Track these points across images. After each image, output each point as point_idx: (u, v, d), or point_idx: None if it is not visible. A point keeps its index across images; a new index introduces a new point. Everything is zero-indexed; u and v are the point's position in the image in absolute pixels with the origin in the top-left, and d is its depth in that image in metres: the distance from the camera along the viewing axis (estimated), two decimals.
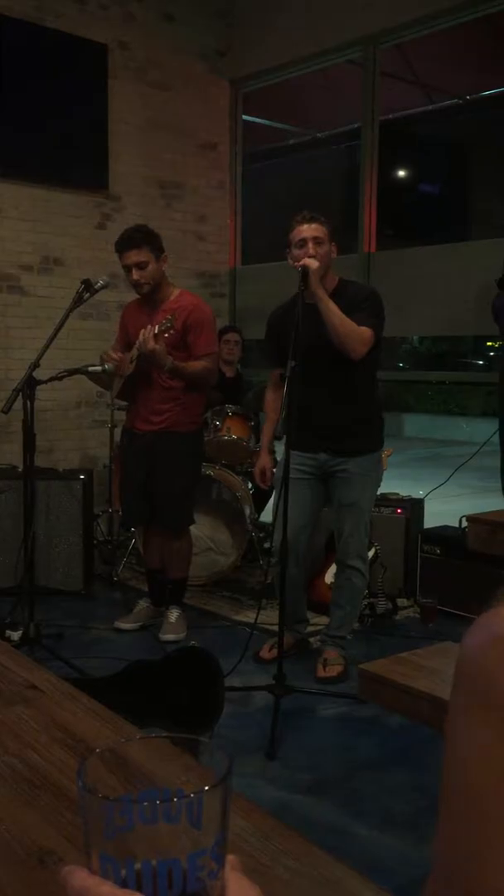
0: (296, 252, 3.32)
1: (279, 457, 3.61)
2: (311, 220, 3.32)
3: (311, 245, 3.28)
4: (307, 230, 3.30)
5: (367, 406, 3.53)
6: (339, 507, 3.51)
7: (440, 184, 15.28)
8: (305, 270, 3.19)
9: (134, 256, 3.72)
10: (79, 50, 5.34)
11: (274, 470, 3.70)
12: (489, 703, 0.49)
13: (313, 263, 3.20)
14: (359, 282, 3.44)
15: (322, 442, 3.41)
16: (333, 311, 3.23)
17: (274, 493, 3.70)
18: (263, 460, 3.75)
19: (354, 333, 3.26)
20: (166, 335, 3.55)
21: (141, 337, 3.57)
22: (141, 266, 3.72)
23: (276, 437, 3.38)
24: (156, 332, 3.53)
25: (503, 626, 0.50)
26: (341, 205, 6.95)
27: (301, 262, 3.21)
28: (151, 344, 3.53)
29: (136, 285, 3.79)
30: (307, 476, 3.44)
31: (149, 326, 3.58)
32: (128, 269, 3.75)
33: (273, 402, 3.70)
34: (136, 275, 3.74)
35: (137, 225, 3.92)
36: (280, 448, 3.80)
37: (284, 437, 3.15)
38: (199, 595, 4.55)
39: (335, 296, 3.31)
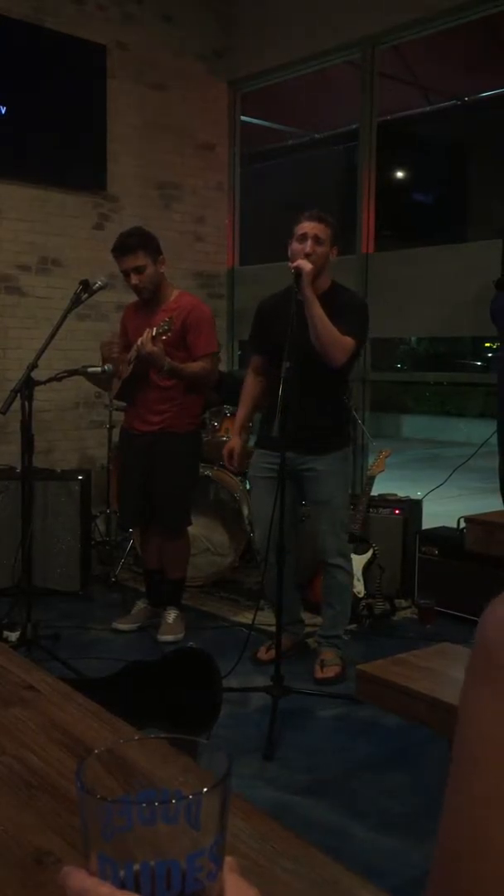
0: (295, 245, 3.34)
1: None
2: (318, 220, 3.34)
3: (310, 242, 3.30)
4: (311, 227, 3.32)
5: (338, 407, 3.56)
6: (313, 506, 3.53)
7: (433, 192, 15.33)
8: (298, 272, 3.20)
9: (131, 262, 3.72)
10: (77, 50, 5.34)
11: (239, 457, 3.75)
12: None
13: (306, 266, 3.21)
14: (352, 290, 3.46)
15: (290, 440, 3.34)
16: (319, 317, 3.24)
17: (250, 491, 3.76)
18: (233, 442, 3.76)
19: (337, 341, 3.28)
20: (164, 337, 3.55)
21: (139, 341, 3.59)
22: (139, 270, 3.72)
23: (272, 436, 3.39)
24: (153, 334, 3.53)
25: None
26: (340, 206, 6.96)
27: (295, 264, 3.23)
28: (149, 346, 3.54)
29: (135, 290, 3.79)
30: (276, 474, 3.46)
31: (147, 330, 3.58)
32: (126, 273, 3.75)
33: (250, 388, 3.72)
34: (134, 279, 3.74)
35: (133, 228, 3.91)
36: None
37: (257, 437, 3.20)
38: (196, 596, 4.55)
39: (325, 298, 3.31)
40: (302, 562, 3.95)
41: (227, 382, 5.36)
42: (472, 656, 0.53)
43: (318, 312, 3.24)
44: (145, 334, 3.56)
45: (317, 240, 3.31)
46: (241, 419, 3.77)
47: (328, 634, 3.60)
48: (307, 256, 3.28)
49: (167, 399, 3.82)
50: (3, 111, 5.05)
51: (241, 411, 3.76)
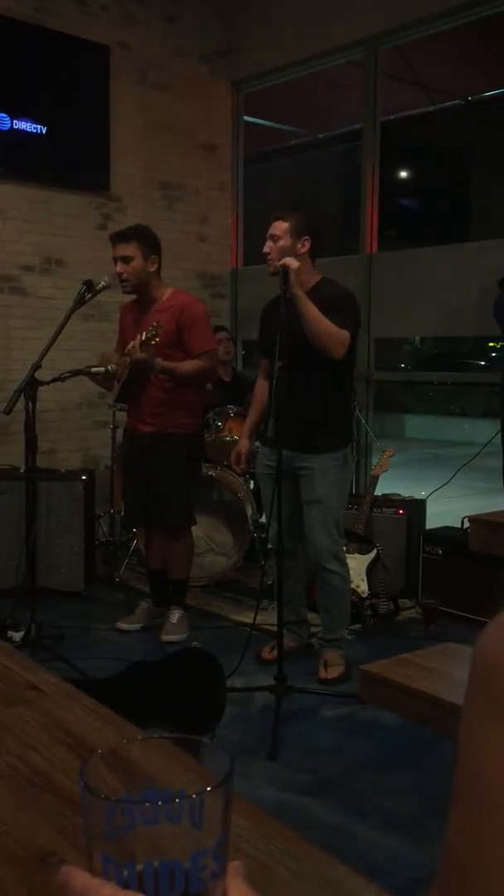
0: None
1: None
2: (275, 218, 3.42)
3: (268, 242, 3.39)
4: (270, 227, 3.41)
5: (335, 404, 3.51)
6: (306, 506, 3.46)
7: (437, 192, 15.37)
8: (285, 270, 3.20)
9: (121, 250, 3.76)
10: (80, 51, 5.34)
11: (247, 459, 3.79)
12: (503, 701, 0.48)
13: (293, 263, 3.21)
14: (337, 282, 3.47)
15: (285, 438, 3.29)
16: (311, 312, 3.23)
17: (259, 488, 3.83)
18: (241, 445, 3.77)
19: (333, 335, 3.27)
20: (153, 342, 3.53)
21: (127, 348, 3.60)
22: (126, 260, 3.75)
23: (266, 437, 3.39)
24: (142, 339, 3.52)
25: None
26: (343, 206, 6.95)
27: (281, 262, 3.23)
28: (137, 354, 3.54)
29: (119, 279, 3.79)
30: (274, 471, 3.47)
31: (136, 336, 3.58)
32: (115, 261, 3.78)
33: (259, 392, 3.75)
34: (119, 267, 3.77)
35: (138, 224, 3.94)
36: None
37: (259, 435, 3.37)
38: (200, 596, 4.55)
39: (314, 293, 3.32)
40: (309, 561, 3.94)
41: (233, 383, 5.35)
42: (473, 689, 0.50)
43: (308, 308, 3.23)
44: (134, 340, 3.57)
45: (273, 238, 3.39)
46: (250, 422, 3.79)
47: (329, 638, 3.60)
48: (266, 255, 3.38)
49: (166, 400, 3.82)
50: (6, 111, 5.05)
51: (251, 415, 3.79)
